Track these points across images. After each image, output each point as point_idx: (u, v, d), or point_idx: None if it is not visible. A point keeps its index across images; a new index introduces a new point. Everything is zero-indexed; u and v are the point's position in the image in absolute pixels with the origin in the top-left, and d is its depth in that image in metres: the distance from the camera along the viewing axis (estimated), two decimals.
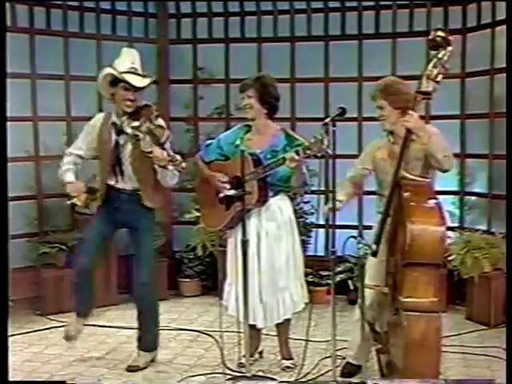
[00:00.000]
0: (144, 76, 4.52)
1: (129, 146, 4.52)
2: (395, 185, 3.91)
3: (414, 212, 3.75)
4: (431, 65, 3.77)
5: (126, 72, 4.44)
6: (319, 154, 4.11)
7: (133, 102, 4.47)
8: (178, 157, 4.39)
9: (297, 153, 4.20)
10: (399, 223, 3.83)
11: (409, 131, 3.85)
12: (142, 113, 4.48)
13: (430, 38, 3.77)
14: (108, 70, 4.48)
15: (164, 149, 4.39)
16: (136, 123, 4.43)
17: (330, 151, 3.97)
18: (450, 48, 3.74)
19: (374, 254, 4.05)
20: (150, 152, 4.36)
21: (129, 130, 4.45)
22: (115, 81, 4.46)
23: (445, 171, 4.05)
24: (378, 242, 4.03)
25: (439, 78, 3.75)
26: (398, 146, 4.03)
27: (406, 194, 3.84)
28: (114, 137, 4.54)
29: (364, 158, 4.47)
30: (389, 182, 4.03)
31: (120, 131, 4.51)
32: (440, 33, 3.75)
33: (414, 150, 4.01)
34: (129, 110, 4.47)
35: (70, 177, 4.61)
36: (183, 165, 4.40)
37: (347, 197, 4.41)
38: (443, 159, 3.92)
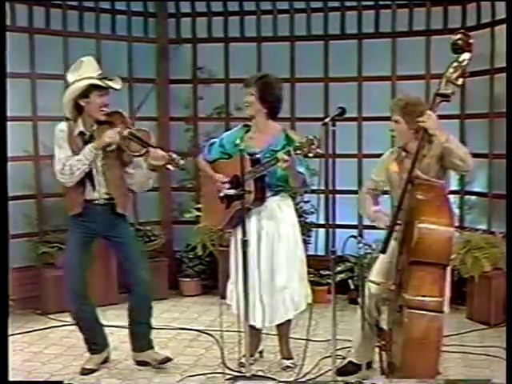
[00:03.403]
0: (111, 79, 4.49)
1: (99, 156, 4.46)
2: (408, 183, 3.91)
3: (424, 211, 3.75)
4: (452, 68, 3.79)
5: (100, 79, 4.41)
6: (310, 155, 4.12)
7: (107, 108, 4.45)
8: (175, 155, 4.38)
9: (288, 153, 4.21)
10: (409, 222, 3.84)
11: (425, 131, 3.85)
12: (115, 119, 4.45)
13: (452, 41, 3.79)
14: (87, 82, 4.37)
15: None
16: (115, 130, 4.39)
17: (320, 151, 3.99)
18: (471, 52, 3.77)
19: (383, 250, 4.06)
20: (143, 155, 4.35)
21: (108, 139, 4.39)
22: (85, 92, 4.39)
23: (466, 170, 4.05)
24: (387, 239, 4.03)
25: (459, 81, 3.78)
26: (410, 160, 4.04)
27: (417, 193, 3.84)
28: (82, 147, 4.46)
29: (379, 169, 4.45)
30: (398, 194, 4.03)
31: (89, 140, 4.45)
32: (462, 36, 3.78)
33: (428, 158, 4.04)
34: (103, 117, 4.44)
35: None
36: (182, 162, 4.41)
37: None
38: (466, 156, 3.91)
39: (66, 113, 4.51)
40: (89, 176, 4.48)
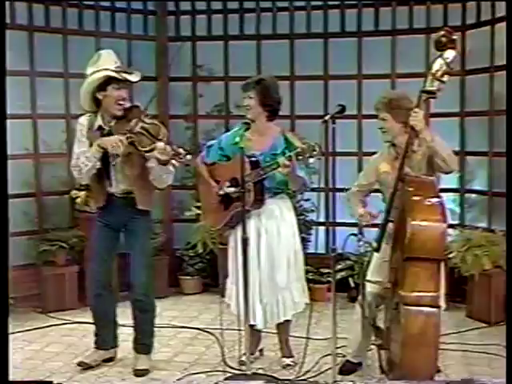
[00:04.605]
0: (130, 73, 4.45)
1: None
2: (399, 181, 3.92)
3: (416, 207, 3.77)
4: (436, 64, 3.80)
5: (117, 72, 4.37)
6: (311, 160, 4.13)
7: (125, 102, 4.41)
8: (181, 150, 4.31)
9: (289, 158, 4.21)
10: (402, 219, 3.85)
11: (413, 129, 3.86)
12: (132, 114, 4.41)
13: (436, 38, 3.80)
14: (103, 73, 4.34)
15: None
16: (128, 126, 4.36)
17: (320, 157, 4.02)
18: (455, 49, 3.79)
19: (377, 249, 4.07)
20: (151, 150, 4.29)
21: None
22: (103, 84, 4.36)
23: (449, 172, 4.07)
24: (380, 238, 4.04)
25: (445, 77, 3.79)
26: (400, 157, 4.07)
27: (408, 190, 3.86)
28: None
29: (368, 171, 4.49)
30: (390, 193, 4.05)
31: (108, 135, 4.41)
32: (445, 33, 3.79)
33: (418, 154, 4.07)
34: (120, 112, 4.39)
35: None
36: (188, 157, 4.32)
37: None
38: (449, 158, 3.95)
39: (85, 106, 4.49)
40: (107, 171, 4.46)
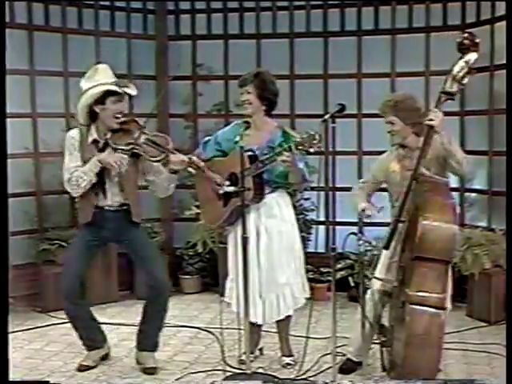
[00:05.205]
0: (127, 86, 4.47)
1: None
2: (413, 181, 3.94)
3: (428, 208, 3.79)
4: (458, 67, 3.83)
5: (116, 85, 4.40)
6: (312, 150, 4.11)
7: (121, 115, 4.41)
8: (194, 157, 4.39)
9: (289, 148, 4.20)
10: (413, 219, 3.87)
11: (431, 128, 3.86)
12: (130, 127, 4.42)
13: (459, 40, 3.84)
14: (103, 88, 4.34)
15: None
16: (127, 138, 4.36)
17: (321, 146, 4.01)
18: (477, 52, 3.82)
19: (386, 246, 4.07)
20: (161, 160, 4.32)
21: (123, 147, 4.35)
22: (101, 98, 4.35)
23: (461, 174, 4.12)
24: (390, 236, 4.05)
25: (465, 80, 3.82)
26: (410, 159, 4.12)
27: (422, 190, 3.88)
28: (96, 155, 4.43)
29: (376, 169, 4.48)
30: (399, 192, 4.07)
31: (103, 148, 4.42)
32: (468, 35, 3.84)
33: (428, 154, 4.05)
34: (116, 125, 4.38)
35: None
36: (202, 164, 4.43)
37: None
38: (463, 160, 3.96)
39: (80, 120, 4.46)
40: (101, 184, 4.44)
